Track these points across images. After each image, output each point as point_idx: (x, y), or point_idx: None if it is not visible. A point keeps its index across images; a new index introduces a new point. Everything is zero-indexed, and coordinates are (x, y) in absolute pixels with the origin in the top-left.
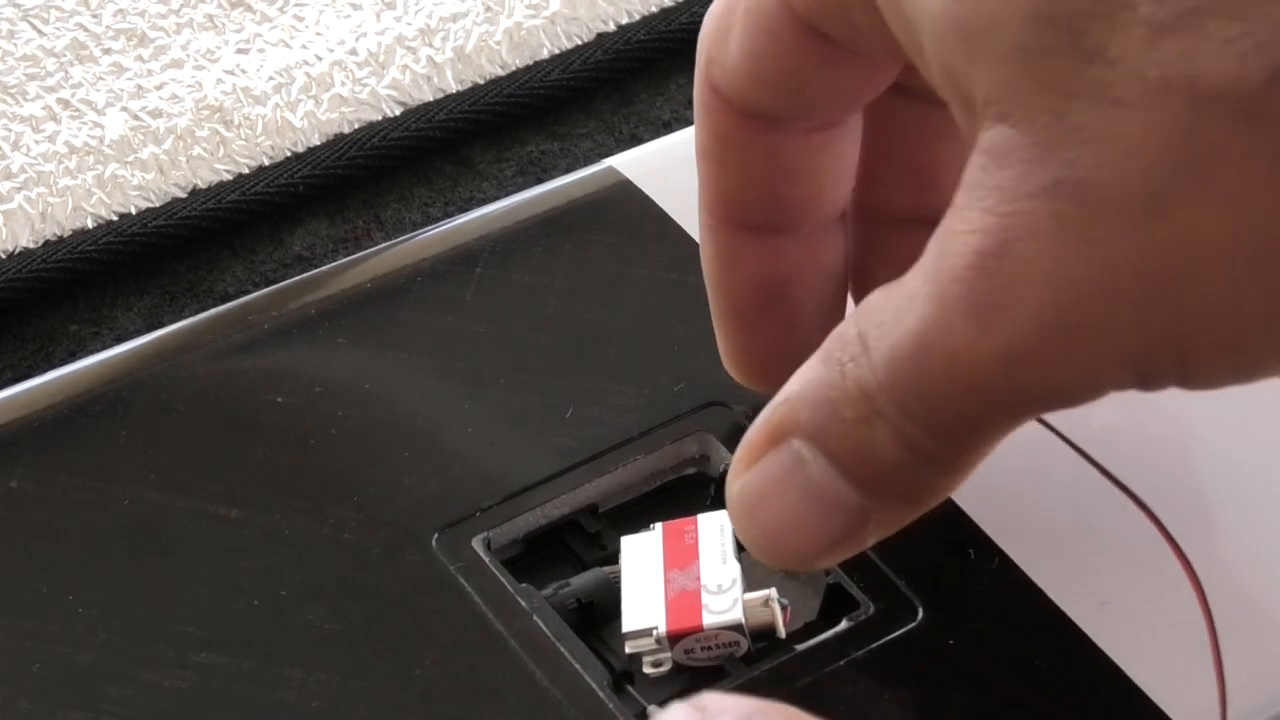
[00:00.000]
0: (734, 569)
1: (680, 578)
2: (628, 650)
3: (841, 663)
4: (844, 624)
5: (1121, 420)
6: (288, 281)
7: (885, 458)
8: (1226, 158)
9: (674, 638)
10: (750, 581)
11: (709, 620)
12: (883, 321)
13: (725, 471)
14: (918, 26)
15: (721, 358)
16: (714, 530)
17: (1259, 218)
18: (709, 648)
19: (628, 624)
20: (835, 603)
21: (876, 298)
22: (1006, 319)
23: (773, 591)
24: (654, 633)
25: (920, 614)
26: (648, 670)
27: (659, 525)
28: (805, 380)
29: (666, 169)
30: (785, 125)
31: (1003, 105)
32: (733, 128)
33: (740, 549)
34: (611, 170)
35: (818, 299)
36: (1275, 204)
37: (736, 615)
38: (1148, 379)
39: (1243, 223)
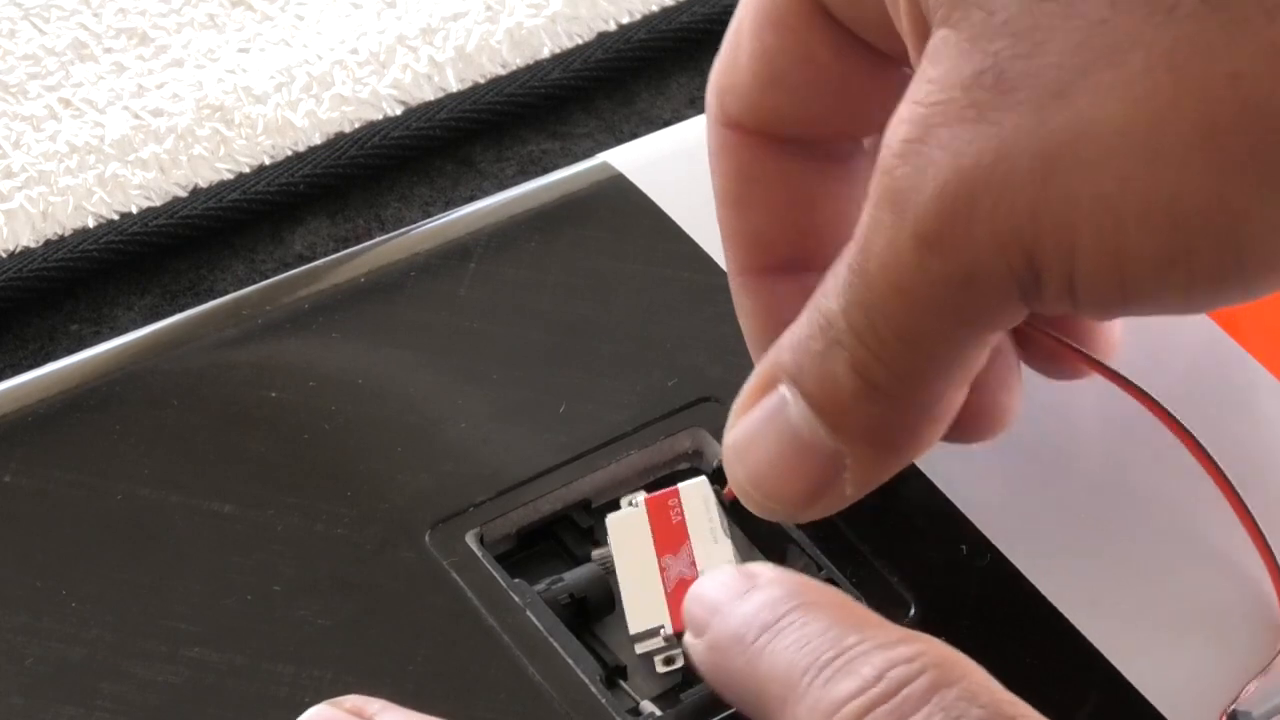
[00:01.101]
0: (726, 548)
1: (675, 564)
2: (638, 652)
3: None
4: None
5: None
6: (281, 276)
7: (845, 388)
8: (1132, 49)
9: (682, 633)
10: (743, 558)
11: None
12: (845, 249)
13: (719, 466)
14: None
15: None
16: (698, 503)
17: (1153, 108)
18: None
19: (634, 626)
20: None
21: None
22: (916, 201)
23: None
24: (661, 632)
25: (912, 609)
26: (660, 669)
27: (641, 500)
28: (793, 326)
29: (661, 164)
30: (803, 151)
31: (944, 9)
32: (751, 159)
33: (728, 517)
34: (606, 165)
35: None
36: (1167, 97)
37: None
38: (1040, 281)
39: (1135, 113)
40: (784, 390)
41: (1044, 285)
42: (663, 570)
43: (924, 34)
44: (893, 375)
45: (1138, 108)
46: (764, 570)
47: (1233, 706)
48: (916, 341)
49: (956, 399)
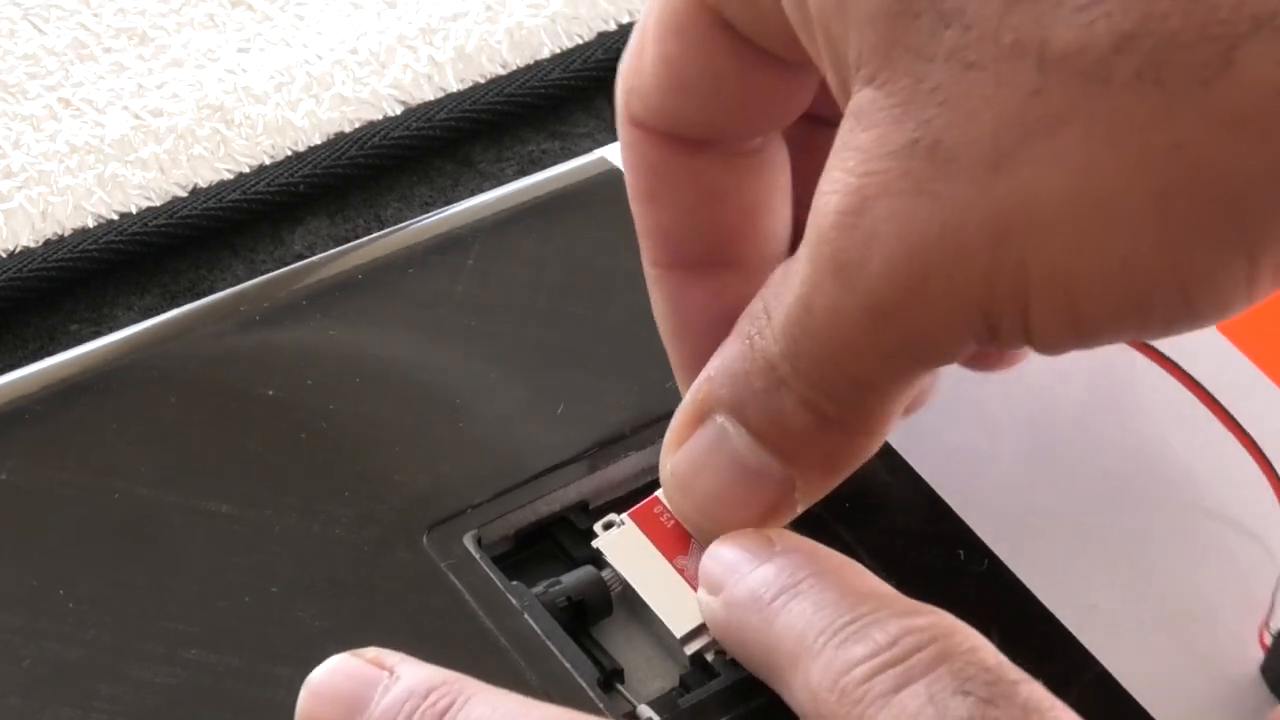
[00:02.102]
0: None
1: (690, 562)
2: (688, 652)
3: None
4: None
5: None
6: (278, 272)
7: (795, 424)
8: (1070, 120)
9: None
10: None
11: None
12: (779, 293)
13: None
14: None
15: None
16: None
17: (1094, 180)
18: None
19: (678, 629)
20: None
21: (778, 272)
22: (865, 275)
23: None
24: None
25: None
26: (712, 660)
27: (626, 517)
28: (723, 357)
29: None
30: (710, 148)
31: (870, 68)
32: (659, 158)
33: None
34: (603, 160)
35: None
36: (1110, 167)
37: None
38: (997, 334)
39: (1080, 184)
40: (723, 422)
41: (1000, 338)
42: (681, 571)
43: (844, 77)
44: (845, 410)
45: (1081, 177)
46: (783, 535)
47: (1269, 616)
48: (870, 384)
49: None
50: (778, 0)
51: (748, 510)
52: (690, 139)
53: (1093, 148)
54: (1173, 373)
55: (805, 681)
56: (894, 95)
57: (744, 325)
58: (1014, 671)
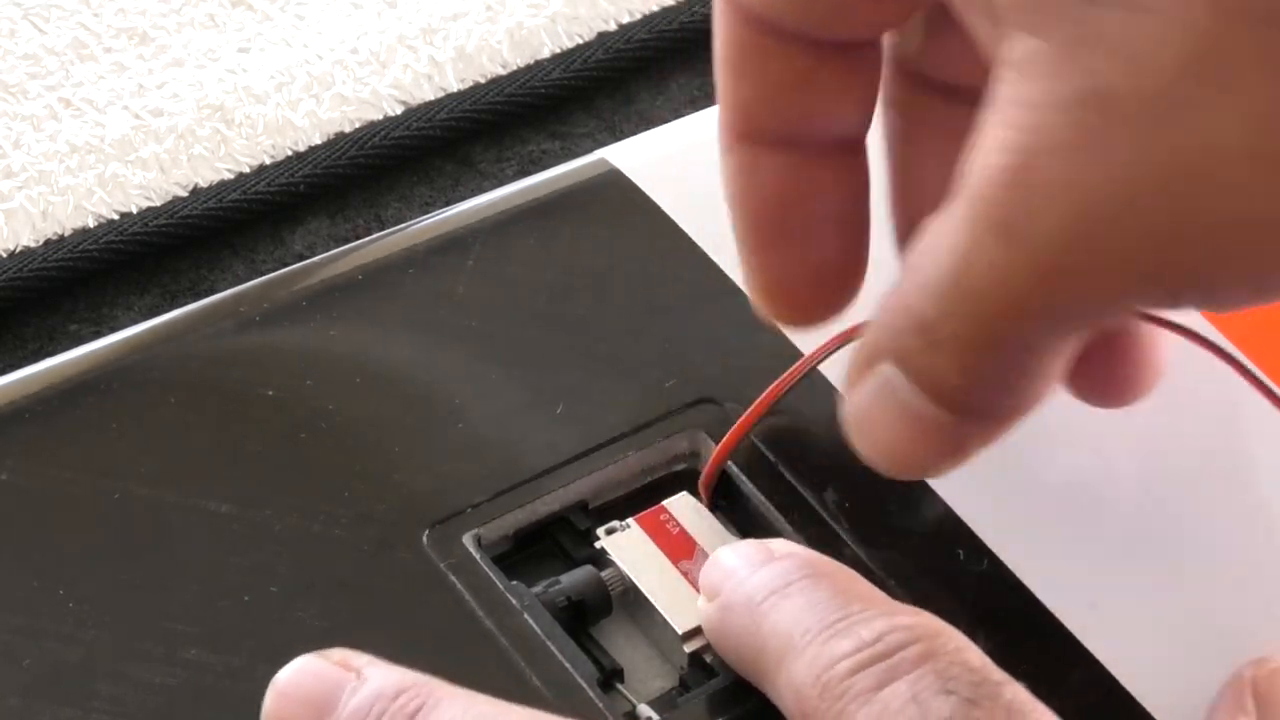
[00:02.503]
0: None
1: (694, 566)
2: (687, 650)
3: None
4: None
5: None
6: (278, 273)
7: (954, 383)
8: (1245, 63)
9: None
10: None
11: None
12: (931, 248)
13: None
14: None
15: (745, 286)
16: (690, 512)
17: (1273, 124)
18: None
19: (680, 626)
20: None
21: (930, 230)
22: (1032, 234)
23: None
24: None
25: None
26: (711, 660)
27: (632, 522)
28: (885, 308)
29: (660, 162)
30: (804, 38)
31: (1028, 14)
32: (749, 37)
33: (721, 518)
34: (604, 162)
35: (838, 222)
36: None
37: None
38: (1172, 292)
39: (1258, 128)
40: (888, 372)
41: (1179, 296)
42: (685, 574)
43: (994, 25)
44: (1006, 370)
45: (1260, 122)
46: (782, 545)
47: None
48: (1036, 347)
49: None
50: None
51: (926, 455)
52: (777, 25)
53: (1271, 92)
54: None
55: (789, 678)
56: (1055, 43)
57: (903, 279)
58: (998, 673)
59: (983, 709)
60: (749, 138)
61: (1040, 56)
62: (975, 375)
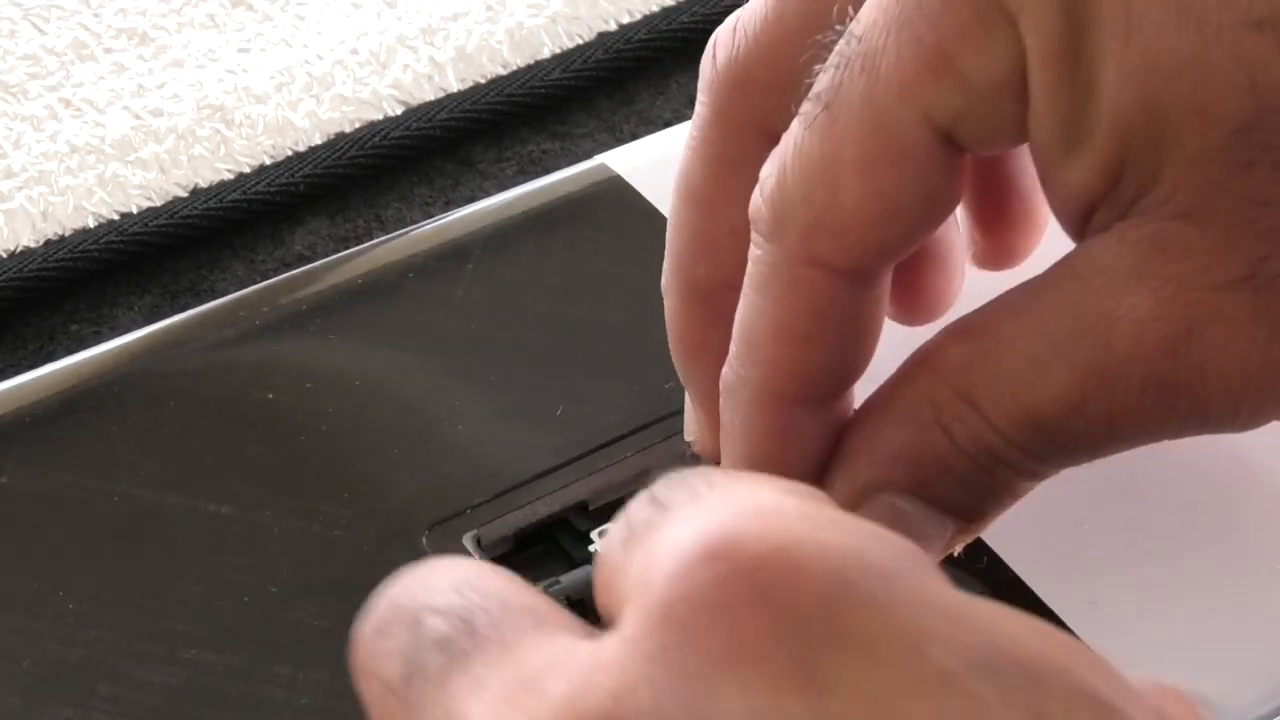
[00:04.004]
0: None
1: None
2: None
3: None
4: None
5: None
6: (279, 277)
7: (1003, 492)
8: None
9: None
10: None
11: None
12: (998, 386)
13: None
14: (1095, 116)
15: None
16: None
17: None
18: None
19: None
20: None
21: (961, 358)
22: (1197, 397)
23: None
24: None
25: None
26: None
27: None
28: (893, 443)
29: (658, 166)
30: (881, 278)
31: (1185, 204)
32: (833, 296)
33: None
34: (603, 167)
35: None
36: None
37: None
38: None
39: None
40: (894, 501)
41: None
42: None
43: (1117, 205)
44: (1061, 466)
45: None
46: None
47: None
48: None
49: None
50: (1019, 116)
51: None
52: (867, 271)
53: None
54: None
55: None
56: (1214, 232)
57: (924, 414)
58: None
59: None
60: (801, 400)
61: (1195, 241)
62: (1036, 477)
